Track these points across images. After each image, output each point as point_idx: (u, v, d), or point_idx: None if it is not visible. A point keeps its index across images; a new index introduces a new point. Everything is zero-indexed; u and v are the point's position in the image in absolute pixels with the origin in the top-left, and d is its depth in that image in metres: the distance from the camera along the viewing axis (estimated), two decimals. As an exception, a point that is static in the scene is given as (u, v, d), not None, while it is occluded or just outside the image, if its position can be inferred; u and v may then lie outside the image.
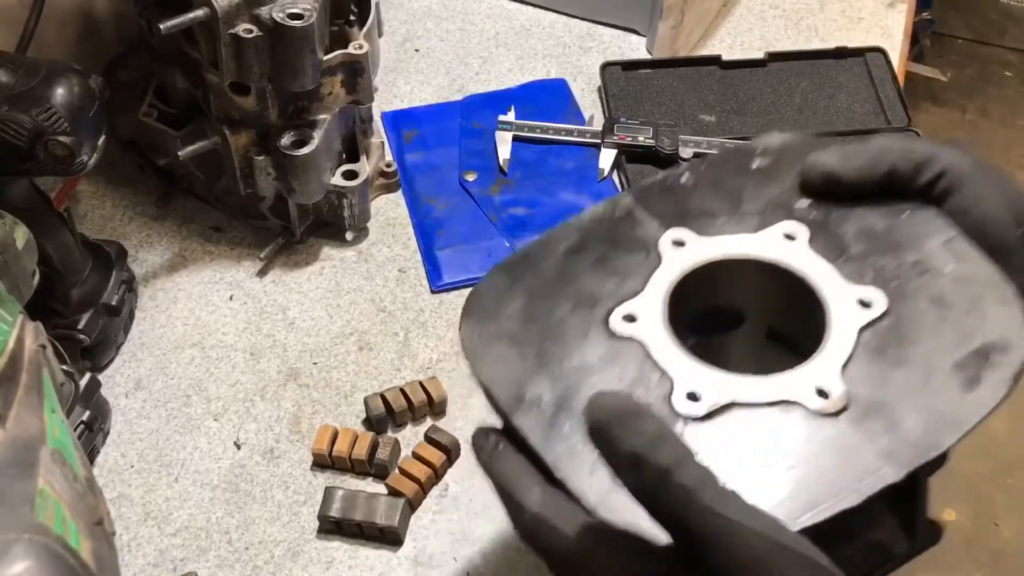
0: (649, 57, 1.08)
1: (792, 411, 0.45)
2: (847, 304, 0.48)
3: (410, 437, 0.78)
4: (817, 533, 0.41)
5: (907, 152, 0.52)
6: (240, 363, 0.83)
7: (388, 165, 0.95)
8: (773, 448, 0.44)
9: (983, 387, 0.44)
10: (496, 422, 0.52)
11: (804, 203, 0.53)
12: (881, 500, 0.43)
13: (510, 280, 0.56)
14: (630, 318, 0.51)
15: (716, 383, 0.47)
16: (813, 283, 0.50)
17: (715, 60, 1.05)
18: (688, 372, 0.48)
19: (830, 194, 0.53)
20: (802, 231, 0.52)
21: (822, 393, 0.45)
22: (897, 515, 0.49)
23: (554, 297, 0.54)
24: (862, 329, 0.47)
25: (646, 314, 0.51)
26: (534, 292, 0.54)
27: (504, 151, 0.97)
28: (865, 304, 0.48)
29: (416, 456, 0.76)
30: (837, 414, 0.45)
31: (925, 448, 0.43)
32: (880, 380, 0.45)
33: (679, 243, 0.54)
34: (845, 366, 0.46)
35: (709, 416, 0.46)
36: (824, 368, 0.46)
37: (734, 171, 0.57)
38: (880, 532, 0.49)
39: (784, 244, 0.52)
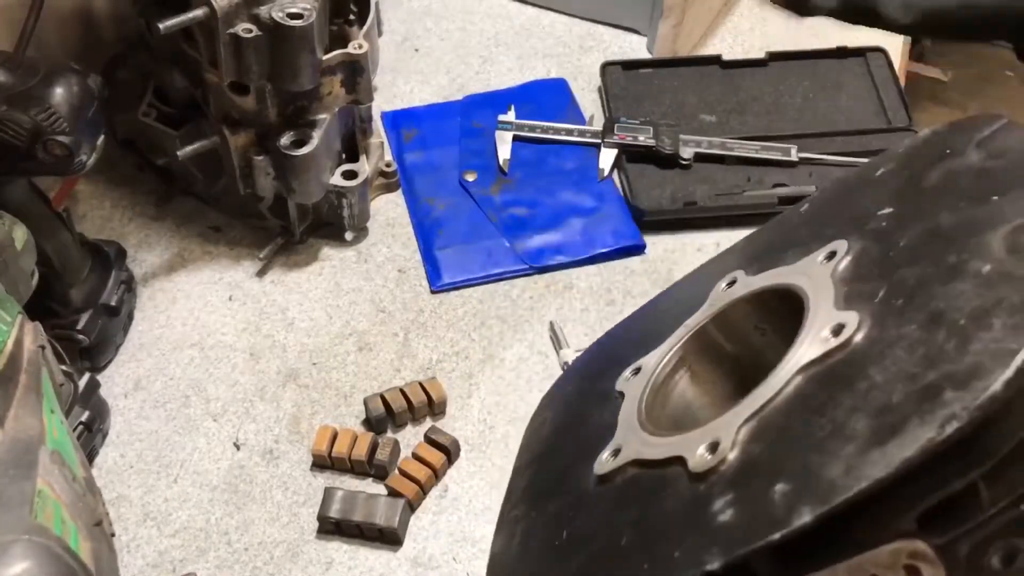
0: (649, 57, 1.08)
1: (675, 469, 0.38)
2: (817, 334, 0.39)
3: (410, 438, 0.78)
4: None
5: None
6: (239, 363, 0.83)
7: (388, 165, 0.95)
8: (642, 514, 0.37)
9: (897, 440, 0.31)
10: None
11: (886, 210, 0.44)
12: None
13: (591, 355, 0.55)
14: (636, 370, 0.47)
15: (639, 441, 0.41)
16: (805, 309, 0.41)
17: (716, 60, 1.05)
18: (627, 431, 0.43)
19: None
20: (845, 247, 0.43)
21: (713, 447, 0.37)
22: None
23: (609, 364, 0.51)
24: (805, 367, 0.38)
25: (648, 366, 0.47)
26: (604, 359, 0.53)
27: (504, 151, 0.97)
28: (835, 333, 0.39)
29: (416, 457, 0.75)
30: (705, 475, 0.36)
31: (759, 530, 0.32)
32: (782, 429, 0.36)
33: (731, 283, 0.48)
34: (754, 416, 0.37)
35: (609, 477, 0.41)
36: (732, 417, 0.38)
37: (855, 187, 0.49)
38: None
39: (814, 267, 0.43)
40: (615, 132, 0.96)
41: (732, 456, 0.36)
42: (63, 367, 0.69)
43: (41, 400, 0.57)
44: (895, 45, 1.09)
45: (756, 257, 0.49)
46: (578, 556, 0.40)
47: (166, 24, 0.73)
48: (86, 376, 0.76)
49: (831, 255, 0.44)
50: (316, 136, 0.81)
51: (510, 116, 0.99)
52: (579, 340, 0.84)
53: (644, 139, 0.95)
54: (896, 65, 1.05)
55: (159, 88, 0.90)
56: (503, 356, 0.83)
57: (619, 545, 0.37)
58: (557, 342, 0.84)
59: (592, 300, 0.87)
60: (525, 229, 0.92)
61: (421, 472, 0.74)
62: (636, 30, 1.10)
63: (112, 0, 0.97)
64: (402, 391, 0.78)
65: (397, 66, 1.07)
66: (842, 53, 1.05)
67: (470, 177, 0.96)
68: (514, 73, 1.07)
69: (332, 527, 0.73)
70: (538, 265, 0.89)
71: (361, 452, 0.74)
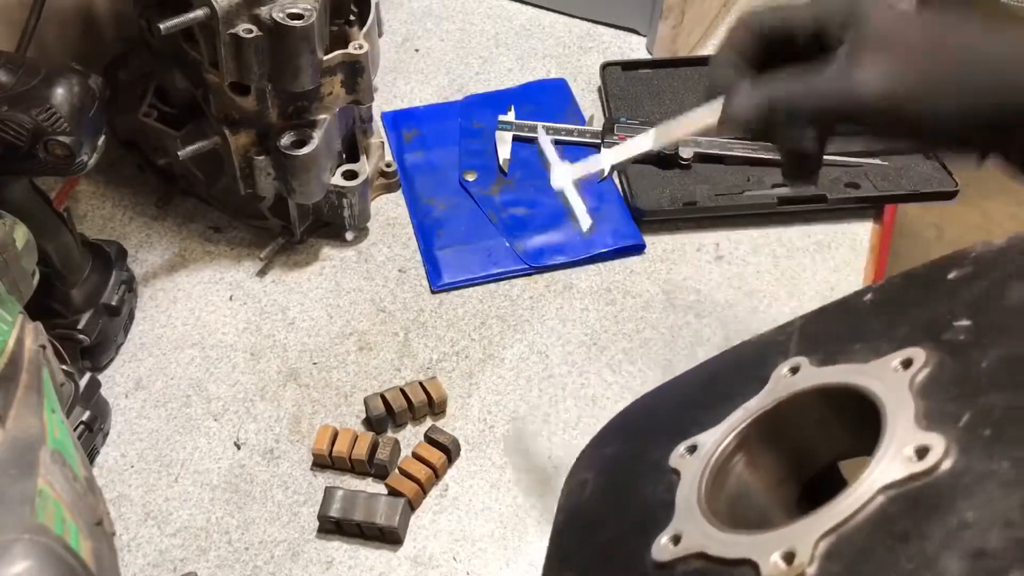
0: (649, 57, 1.08)
1: (744, 572, 0.38)
2: (899, 452, 0.38)
3: (410, 437, 0.78)
4: None
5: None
6: (240, 363, 0.83)
7: (388, 165, 0.95)
8: None
9: None
10: None
11: (964, 322, 0.42)
12: None
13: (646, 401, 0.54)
14: (692, 449, 0.47)
15: (702, 532, 0.41)
16: (883, 420, 0.40)
17: (715, 60, 1.05)
18: (686, 516, 0.43)
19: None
20: (923, 357, 0.42)
21: (788, 557, 0.37)
22: None
23: (656, 432, 0.50)
24: (887, 487, 0.37)
25: (706, 446, 0.46)
26: (650, 421, 0.52)
27: (504, 151, 0.97)
28: (920, 455, 0.37)
29: (416, 456, 0.76)
30: None
31: None
32: (864, 551, 0.35)
33: (794, 370, 0.47)
34: (832, 531, 0.37)
35: (670, 565, 0.41)
36: (808, 528, 0.37)
37: (921, 286, 0.47)
38: None
39: (888, 373, 0.42)
40: (615, 132, 0.97)
41: (811, 571, 0.36)
42: (64, 367, 0.69)
43: (42, 400, 0.57)
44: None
45: (819, 343, 0.48)
46: None
47: (167, 24, 0.73)
48: (87, 376, 0.76)
49: (907, 363, 0.42)
50: (316, 136, 0.82)
51: (510, 116, 1.00)
52: (579, 339, 0.84)
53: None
54: (896, 65, 1.05)
55: (160, 88, 0.90)
56: (503, 356, 0.83)
57: None
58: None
59: (592, 300, 0.88)
60: (525, 229, 0.92)
61: (421, 471, 0.74)
62: (636, 30, 1.10)
63: (113, 1, 0.97)
64: (402, 391, 0.79)
65: (397, 66, 1.08)
66: (842, 53, 1.05)
67: (470, 177, 0.96)
68: (514, 73, 1.07)
69: (332, 526, 0.73)
70: (538, 265, 0.90)
71: (361, 451, 0.75)
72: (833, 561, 0.36)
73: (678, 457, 0.47)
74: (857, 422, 0.42)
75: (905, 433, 0.38)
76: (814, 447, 0.47)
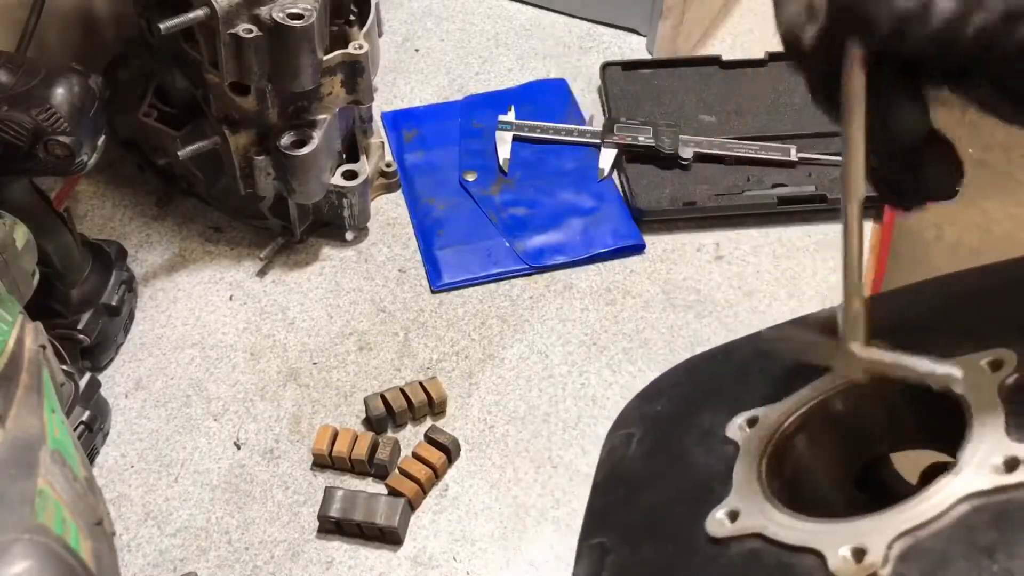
0: (649, 57, 1.08)
1: (808, 561, 0.36)
2: (986, 461, 0.36)
3: (410, 437, 0.78)
4: None
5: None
6: (240, 363, 0.83)
7: (388, 165, 0.95)
8: None
9: None
10: None
11: None
12: None
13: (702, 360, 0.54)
14: (752, 421, 0.45)
15: (761, 511, 0.40)
16: (969, 424, 0.38)
17: (715, 60, 1.05)
18: (744, 493, 0.41)
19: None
20: (1015, 361, 0.39)
21: (858, 554, 0.36)
22: None
23: (710, 398, 0.49)
24: (972, 496, 0.35)
25: (768, 420, 0.45)
26: (707, 382, 0.51)
27: (504, 151, 0.97)
28: (1009, 467, 0.35)
29: (416, 456, 0.76)
30: None
31: None
32: (943, 559, 0.34)
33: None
34: (909, 533, 0.35)
35: (724, 542, 0.40)
36: (881, 526, 0.36)
37: (1013, 281, 0.45)
38: None
39: (975, 372, 0.40)
40: (615, 132, 0.97)
41: (884, 572, 0.35)
42: (64, 367, 0.69)
43: (42, 400, 0.57)
44: (895, 45, 1.09)
45: (892, 329, 0.45)
46: None
47: (167, 24, 0.73)
48: (87, 376, 0.76)
49: (996, 364, 0.39)
50: (316, 136, 0.82)
51: (510, 116, 1.00)
52: (579, 339, 0.84)
53: (644, 139, 0.95)
54: (895, 65, 1.05)
55: (160, 88, 0.90)
56: (503, 356, 0.84)
57: None
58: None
59: (592, 300, 0.88)
60: (525, 229, 0.92)
61: (421, 471, 0.74)
62: (636, 30, 1.10)
63: (113, 0, 0.97)
64: (402, 390, 0.79)
65: (397, 66, 1.08)
66: (842, 53, 1.05)
67: (470, 177, 0.96)
68: (514, 73, 1.07)
69: (332, 526, 0.73)
70: (538, 265, 0.89)
71: (361, 451, 0.75)
72: (909, 565, 0.34)
73: (736, 429, 0.45)
74: (932, 417, 0.41)
75: (993, 441, 0.36)
76: (879, 434, 0.45)
